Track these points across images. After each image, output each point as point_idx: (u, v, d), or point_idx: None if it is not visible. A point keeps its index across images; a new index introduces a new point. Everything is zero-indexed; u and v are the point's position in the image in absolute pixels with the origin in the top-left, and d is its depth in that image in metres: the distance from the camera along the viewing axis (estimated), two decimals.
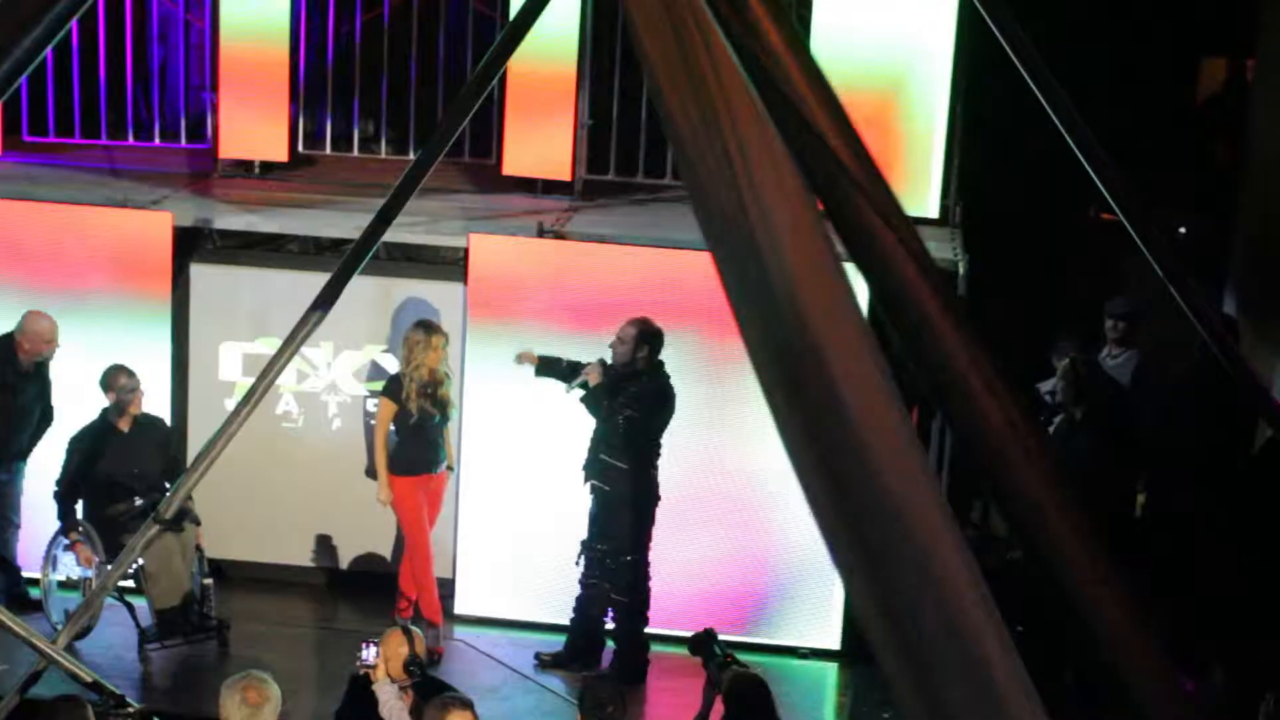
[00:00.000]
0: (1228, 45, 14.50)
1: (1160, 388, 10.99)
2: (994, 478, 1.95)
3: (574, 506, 10.31)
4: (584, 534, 9.99)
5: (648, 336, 9.78)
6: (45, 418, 10.46)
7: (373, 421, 10.63)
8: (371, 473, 10.61)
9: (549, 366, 10.07)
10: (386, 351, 10.80)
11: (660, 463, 9.92)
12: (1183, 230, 13.23)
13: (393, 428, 10.17)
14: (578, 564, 10.01)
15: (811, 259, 1.93)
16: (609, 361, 9.86)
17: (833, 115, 2.00)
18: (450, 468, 10.36)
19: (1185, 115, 14.65)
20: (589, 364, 9.87)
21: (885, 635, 1.89)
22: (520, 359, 10.12)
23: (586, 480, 9.93)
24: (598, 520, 9.94)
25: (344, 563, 11.09)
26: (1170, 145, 14.27)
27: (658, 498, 9.94)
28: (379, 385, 10.47)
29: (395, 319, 10.74)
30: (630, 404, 9.73)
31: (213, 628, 10.02)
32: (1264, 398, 7.98)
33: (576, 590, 10.11)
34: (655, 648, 10.12)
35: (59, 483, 10.12)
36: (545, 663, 10.15)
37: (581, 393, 9.88)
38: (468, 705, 6.83)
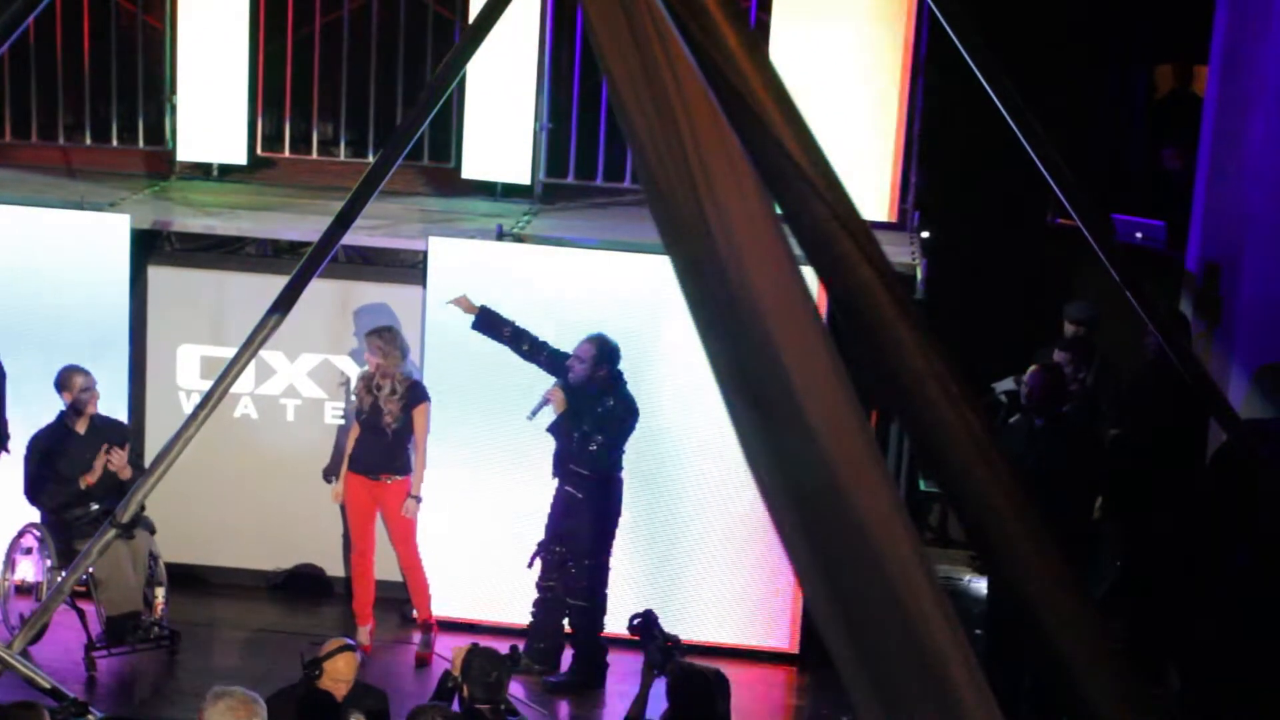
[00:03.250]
0: (1179, 52, 14.59)
1: (1116, 390, 11.05)
2: (950, 482, 1.96)
3: (534, 509, 10.32)
4: (542, 536, 9.98)
5: (606, 354, 9.76)
6: None
7: (340, 422, 10.67)
8: (329, 476, 10.66)
9: (489, 324, 9.99)
10: (345, 356, 10.79)
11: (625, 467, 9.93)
12: (1139, 235, 13.29)
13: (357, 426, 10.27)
14: (530, 566, 10.00)
15: (769, 263, 1.94)
16: (568, 380, 9.83)
17: (790, 119, 2.01)
18: (416, 499, 10.28)
19: (1139, 121, 14.73)
20: (549, 391, 9.84)
21: (842, 641, 1.89)
22: (456, 303, 10.05)
23: (558, 483, 9.92)
24: (560, 524, 9.94)
25: (300, 567, 11.06)
26: (1125, 150, 14.35)
27: (621, 501, 9.94)
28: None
29: (354, 322, 10.72)
30: (597, 429, 9.74)
31: (164, 637, 9.97)
32: (1216, 396, 8.06)
33: (533, 593, 10.11)
34: (614, 651, 10.12)
35: (26, 479, 10.09)
36: (515, 655, 10.13)
37: (545, 419, 9.85)
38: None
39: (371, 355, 10.07)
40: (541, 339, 9.99)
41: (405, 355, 10.17)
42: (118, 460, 9.92)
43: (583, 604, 9.97)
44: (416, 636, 10.43)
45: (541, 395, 9.84)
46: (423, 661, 10.21)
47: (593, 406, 9.76)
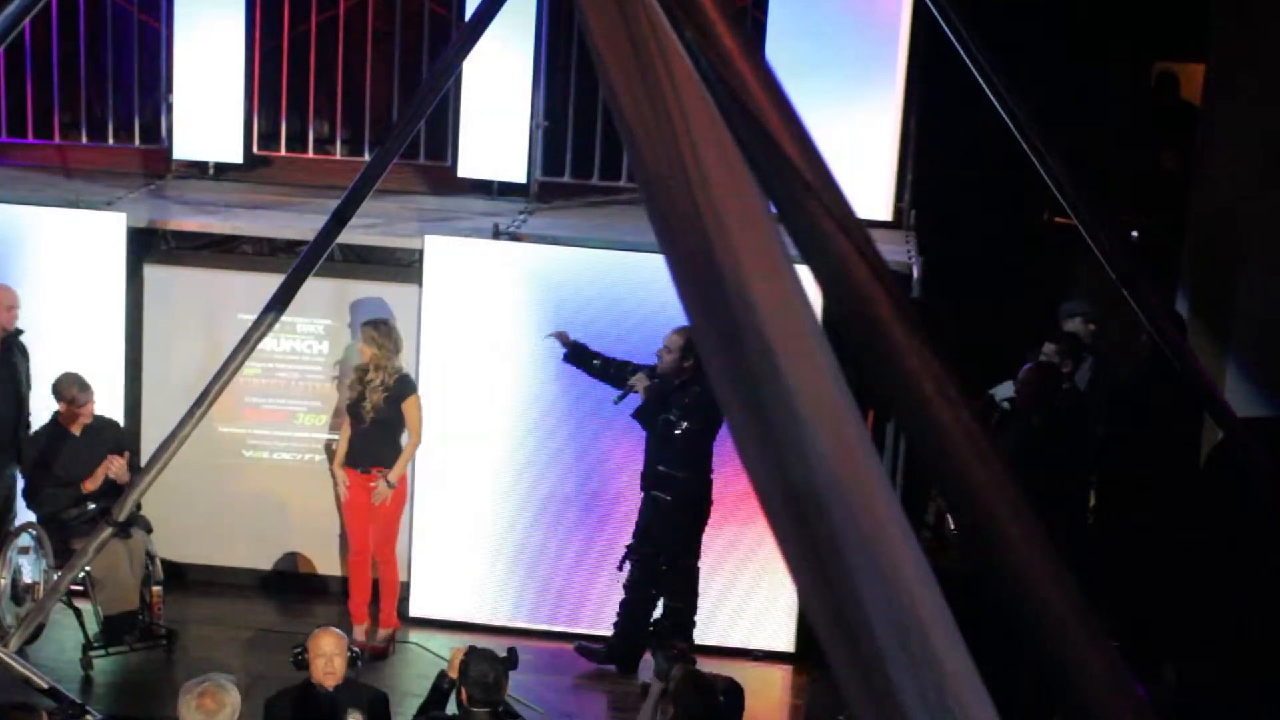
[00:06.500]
0: (1179, 50, 14.59)
1: (1112, 389, 11.05)
2: (946, 481, 1.95)
3: (529, 508, 10.33)
4: (630, 540, 9.96)
5: (693, 345, 9.71)
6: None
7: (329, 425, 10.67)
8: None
9: (579, 356, 10.04)
10: (339, 363, 10.80)
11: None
12: (1135, 234, 13.30)
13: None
14: (620, 569, 9.99)
15: (765, 262, 1.94)
16: (656, 371, 9.82)
17: (786, 117, 2.01)
18: (387, 482, 10.25)
19: (1138, 119, 14.73)
20: (635, 375, 9.83)
21: (837, 641, 1.89)
22: (557, 337, 10.08)
23: (644, 490, 9.89)
24: (651, 527, 9.89)
25: (297, 566, 11.06)
26: (1122, 149, 14.35)
27: (711, 502, 9.93)
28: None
29: (350, 320, 10.72)
30: (686, 416, 9.71)
31: (160, 636, 9.96)
32: (1211, 395, 8.06)
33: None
34: None
35: (22, 489, 10.10)
36: (584, 650, 10.15)
37: (631, 403, 9.84)
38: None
39: (366, 346, 10.06)
40: (622, 359, 10.00)
41: (398, 350, 10.16)
42: (118, 468, 9.92)
43: (679, 605, 9.95)
44: (381, 634, 10.38)
45: (628, 382, 9.83)
46: (380, 654, 10.17)
47: (680, 396, 9.74)
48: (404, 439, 10.23)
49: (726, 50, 1.95)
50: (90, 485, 9.95)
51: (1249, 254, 11.41)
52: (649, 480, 9.87)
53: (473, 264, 10.44)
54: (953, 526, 9.48)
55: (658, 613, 10.05)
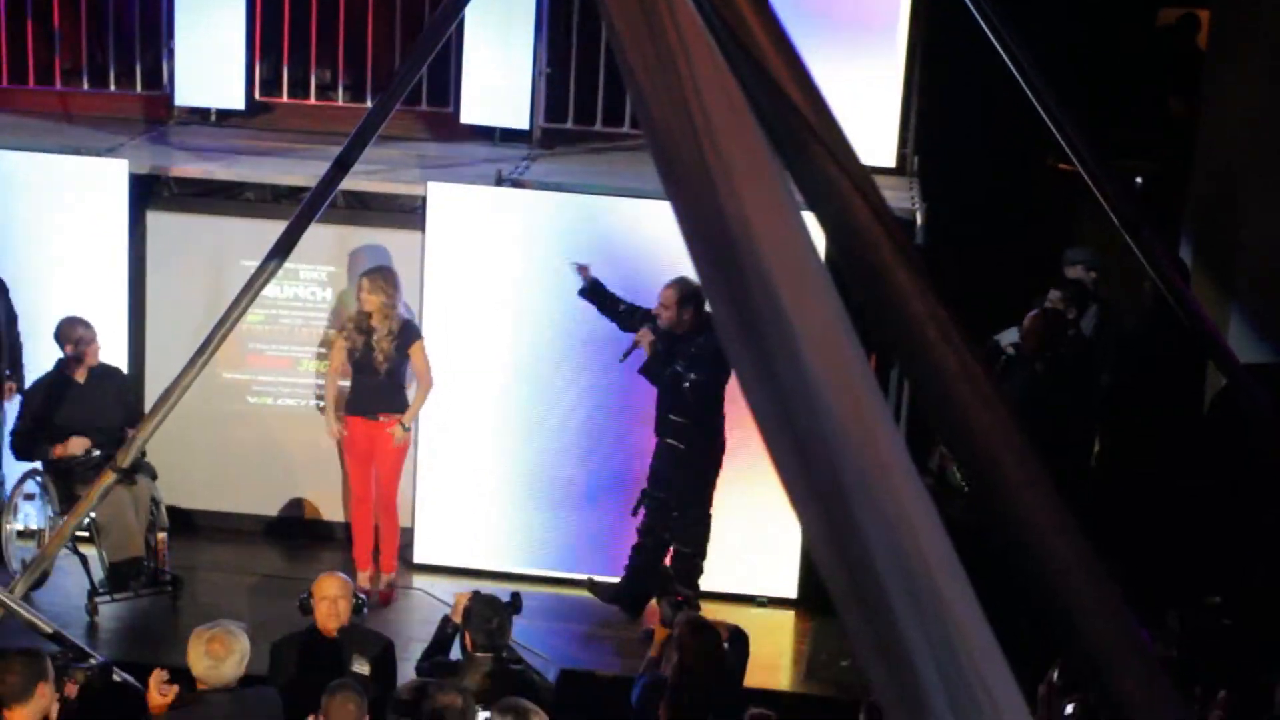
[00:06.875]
0: None
1: (1117, 337, 11.05)
2: (949, 426, 1.95)
3: (532, 455, 10.35)
4: (645, 484, 9.97)
5: (689, 296, 9.66)
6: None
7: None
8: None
9: (596, 292, 10.04)
10: (343, 301, 10.79)
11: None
12: (1139, 180, 13.27)
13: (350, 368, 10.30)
14: (635, 514, 10.01)
15: (770, 206, 1.93)
16: (657, 326, 9.81)
17: (790, 63, 1.99)
18: (404, 426, 10.29)
19: (1143, 65, 14.69)
20: (639, 333, 9.81)
21: (843, 587, 1.89)
22: (580, 271, 10.07)
23: (658, 436, 9.89)
24: (663, 472, 9.90)
25: (301, 512, 11.08)
26: (1127, 95, 14.31)
27: (724, 450, 9.93)
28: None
29: (352, 267, 10.71)
30: (691, 368, 9.68)
31: (166, 582, 9.98)
32: (1214, 342, 8.05)
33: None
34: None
35: (14, 433, 10.10)
36: (594, 587, 10.20)
37: (637, 360, 9.82)
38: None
39: (373, 295, 10.04)
40: (638, 304, 9.98)
41: (401, 297, 10.18)
42: (76, 447, 9.93)
43: (688, 550, 9.98)
44: (384, 580, 10.41)
45: (632, 339, 9.82)
46: (384, 601, 10.22)
47: (685, 347, 9.72)
48: (411, 385, 10.24)
49: None
50: (59, 451, 9.96)
51: (1253, 200, 11.38)
52: (662, 428, 9.88)
53: (475, 210, 10.42)
54: (959, 477, 9.49)
55: (668, 560, 10.08)
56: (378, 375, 10.14)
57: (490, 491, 10.56)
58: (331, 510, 11.03)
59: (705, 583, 10.10)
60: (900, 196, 10.45)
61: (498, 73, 11.26)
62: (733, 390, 9.40)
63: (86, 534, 9.73)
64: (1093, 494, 10.21)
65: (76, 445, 9.95)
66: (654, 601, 9.25)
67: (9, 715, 6.22)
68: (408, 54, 8.64)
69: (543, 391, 10.43)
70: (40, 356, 10.30)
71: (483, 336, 10.42)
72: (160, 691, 6.79)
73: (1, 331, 10.29)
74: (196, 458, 10.84)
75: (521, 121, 11.41)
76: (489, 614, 7.37)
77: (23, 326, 10.47)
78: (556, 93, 11.50)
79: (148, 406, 9.45)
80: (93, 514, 9.17)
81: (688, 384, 9.69)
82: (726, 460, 9.94)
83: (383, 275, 10.13)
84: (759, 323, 1.86)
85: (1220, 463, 9.82)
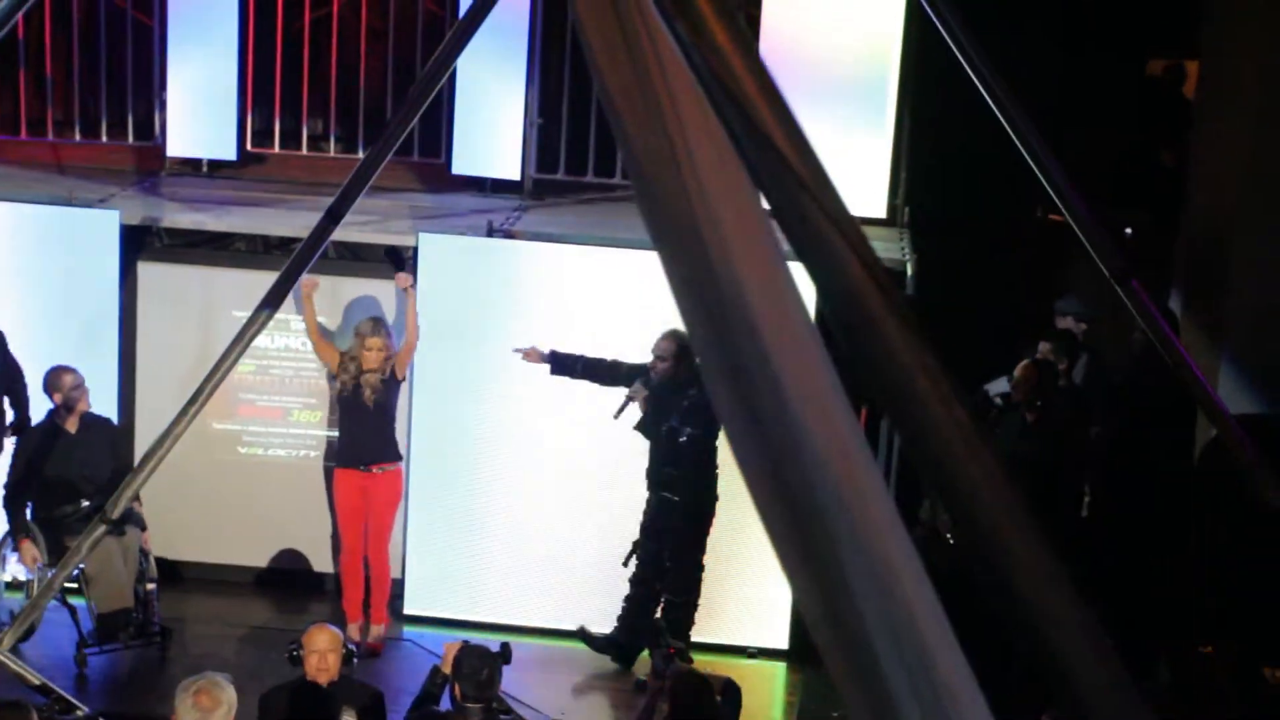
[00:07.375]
0: (1173, 47, 14.60)
1: (1107, 388, 11.06)
2: (938, 477, 1.95)
3: (524, 505, 10.32)
4: (637, 535, 9.95)
5: (686, 348, 9.62)
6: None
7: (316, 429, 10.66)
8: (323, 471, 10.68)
9: (561, 365, 10.04)
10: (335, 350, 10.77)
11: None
12: (1129, 230, 13.30)
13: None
14: (626, 564, 9.99)
15: (758, 258, 1.93)
16: (650, 379, 9.79)
17: (779, 114, 2.00)
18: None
19: (1133, 116, 14.74)
20: (632, 389, 9.81)
21: (831, 639, 1.89)
22: (526, 356, 10.07)
23: (651, 489, 9.88)
24: (656, 523, 9.88)
25: (291, 563, 11.05)
26: (1117, 146, 14.36)
27: (716, 501, 9.91)
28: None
29: (344, 318, 10.71)
30: (687, 422, 9.69)
31: (155, 634, 9.94)
32: (1205, 393, 8.06)
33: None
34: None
35: (5, 485, 10.07)
36: (586, 635, 10.16)
37: (630, 418, 9.81)
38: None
39: (375, 351, 10.00)
40: (612, 359, 9.98)
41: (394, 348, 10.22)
42: (28, 556, 9.88)
43: (679, 601, 9.95)
44: (373, 632, 10.37)
45: (625, 395, 9.81)
46: (373, 652, 10.17)
47: (679, 400, 9.72)
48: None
49: (718, 44, 1.94)
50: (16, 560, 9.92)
51: (1243, 251, 11.40)
52: (655, 479, 9.86)
53: (467, 261, 10.43)
54: (949, 537, 9.47)
55: (659, 611, 10.05)
56: (366, 416, 10.11)
57: (480, 542, 10.53)
58: (322, 561, 11.00)
59: (696, 634, 10.07)
60: (890, 247, 10.47)
61: (489, 123, 11.29)
62: (725, 440, 9.39)
63: (75, 585, 9.69)
64: (1083, 544, 10.19)
65: (28, 557, 9.90)
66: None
67: None
68: (400, 105, 8.66)
69: (535, 442, 10.42)
70: (33, 407, 10.27)
71: (473, 386, 10.41)
72: None
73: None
74: (187, 508, 10.81)
75: (513, 172, 11.43)
76: (479, 665, 7.34)
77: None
78: (548, 143, 11.53)
79: (138, 457, 9.43)
80: (81, 565, 9.12)
81: (684, 439, 9.70)
82: (719, 511, 9.92)
83: (383, 324, 10.15)
84: (745, 372, 1.86)
85: (1211, 514, 9.82)
